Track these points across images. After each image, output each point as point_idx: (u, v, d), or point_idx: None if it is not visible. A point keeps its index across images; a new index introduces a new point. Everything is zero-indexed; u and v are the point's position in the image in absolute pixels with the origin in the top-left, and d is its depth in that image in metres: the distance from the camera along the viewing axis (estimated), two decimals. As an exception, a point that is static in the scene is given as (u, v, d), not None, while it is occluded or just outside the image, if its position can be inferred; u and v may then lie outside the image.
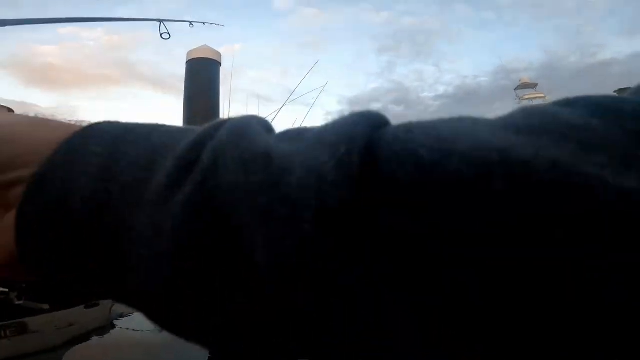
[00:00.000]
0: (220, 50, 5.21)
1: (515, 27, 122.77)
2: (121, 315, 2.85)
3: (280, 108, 9.54)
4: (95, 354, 2.29)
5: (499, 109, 62.50)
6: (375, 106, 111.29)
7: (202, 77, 4.91)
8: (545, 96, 24.24)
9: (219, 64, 5.05)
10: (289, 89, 10.61)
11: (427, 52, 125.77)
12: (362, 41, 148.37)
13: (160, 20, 4.49)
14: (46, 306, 2.93)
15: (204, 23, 5.87)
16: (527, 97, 24.60)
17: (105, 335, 2.47)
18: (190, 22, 5.19)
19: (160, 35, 4.44)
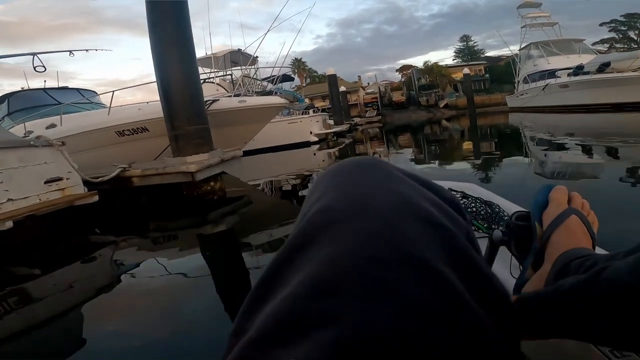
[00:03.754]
0: (195, -17, 4.46)
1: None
2: (128, 269, 2.70)
3: (265, 34, 8.78)
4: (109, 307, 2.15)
5: (497, 26, 58.95)
6: (367, 27, 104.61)
7: (166, 3, 4.20)
8: (550, 15, 23.21)
9: None
10: (275, 15, 9.78)
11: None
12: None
13: (34, 54, 4.24)
14: (37, 271, 2.85)
15: (87, 50, 5.39)
16: (531, 15, 23.22)
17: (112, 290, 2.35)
18: (70, 51, 4.88)
19: (34, 68, 4.27)
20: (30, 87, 7.56)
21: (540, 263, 0.47)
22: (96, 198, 3.77)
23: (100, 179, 4.20)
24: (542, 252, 0.48)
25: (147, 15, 4.32)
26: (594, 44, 39.64)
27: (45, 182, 3.61)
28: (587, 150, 5.33)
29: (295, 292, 0.24)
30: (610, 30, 44.00)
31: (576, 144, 5.96)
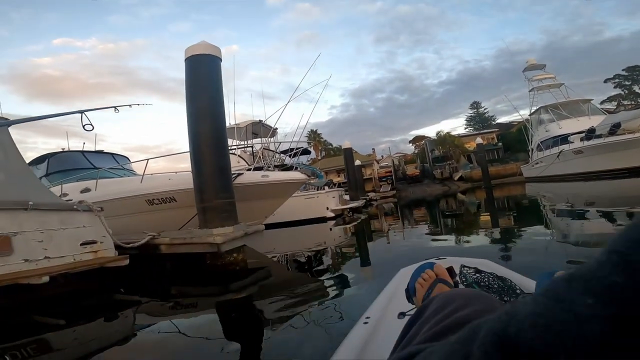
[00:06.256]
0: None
1: (512, 11, 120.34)
2: (144, 327, 2.77)
3: (285, 106, 9.39)
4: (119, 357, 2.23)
5: (506, 91, 61.64)
6: (379, 97, 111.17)
7: (203, 73, 4.66)
8: (555, 76, 23.54)
9: (219, 59, 4.79)
10: (291, 85, 10.51)
11: (427, 39, 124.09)
12: (359, 32, 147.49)
13: (82, 112, 4.37)
14: (62, 322, 2.92)
15: (130, 105, 5.50)
16: (537, 78, 23.58)
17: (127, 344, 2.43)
18: (115, 107, 5.00)
19: (83, 127, 4.35)
20: (70, 149, 7.96)
21: None
22: (127, 262, 3.87)
23: (131, 245, 4.37)
24: None
25: (186, 89, 4.69)
26: (601, 102, 40.05)
27: (81, 244, 3.78)
28: (610, 218, 5.26)
29: None
30: (615, 87, 44.04)
31: (597, 212, 5.92)
